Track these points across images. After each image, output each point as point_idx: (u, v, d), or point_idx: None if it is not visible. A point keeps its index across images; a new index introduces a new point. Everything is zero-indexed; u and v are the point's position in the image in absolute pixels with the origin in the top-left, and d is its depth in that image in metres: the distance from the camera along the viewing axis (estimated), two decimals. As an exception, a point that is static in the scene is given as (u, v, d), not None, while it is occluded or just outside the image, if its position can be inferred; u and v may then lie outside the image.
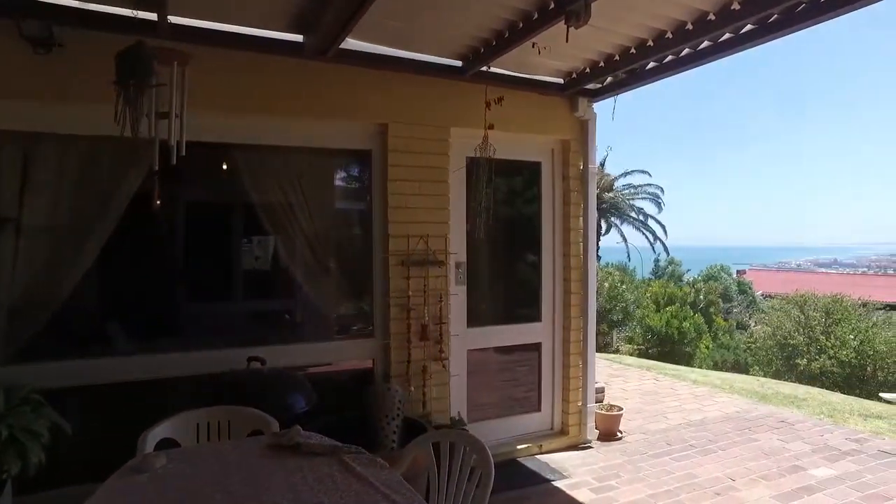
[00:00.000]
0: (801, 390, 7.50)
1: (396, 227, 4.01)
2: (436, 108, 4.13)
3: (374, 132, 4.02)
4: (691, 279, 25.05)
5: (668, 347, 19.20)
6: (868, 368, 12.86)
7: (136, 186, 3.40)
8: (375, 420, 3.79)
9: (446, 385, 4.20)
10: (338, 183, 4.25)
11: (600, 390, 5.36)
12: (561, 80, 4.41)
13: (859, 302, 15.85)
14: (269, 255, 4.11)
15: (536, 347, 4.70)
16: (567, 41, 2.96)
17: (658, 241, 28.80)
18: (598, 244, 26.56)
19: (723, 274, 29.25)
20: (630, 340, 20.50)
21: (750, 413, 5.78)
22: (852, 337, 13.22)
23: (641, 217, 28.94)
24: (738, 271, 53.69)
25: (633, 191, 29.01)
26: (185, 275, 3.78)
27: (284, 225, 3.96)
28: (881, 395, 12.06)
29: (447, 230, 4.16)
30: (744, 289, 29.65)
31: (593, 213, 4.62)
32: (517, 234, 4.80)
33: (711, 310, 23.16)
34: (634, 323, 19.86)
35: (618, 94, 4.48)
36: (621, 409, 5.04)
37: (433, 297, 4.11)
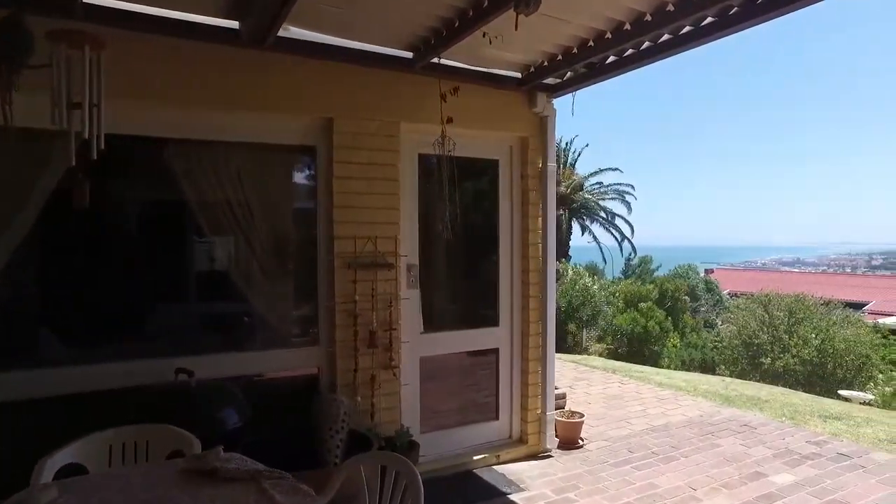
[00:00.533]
0: (765, 391, 7.48)
1: (343, 228, 3.77)
2: (385, 102, 3.90)
3: (319, 127, 3.77)
4: (659, 278, 25.26)
5: (636, 346, 19.32)
6: (828, 366, 13.06)
7: (54, 184, 3.09)
8: (319, 433, 3.55)
9: (396, 394, 3.98)
10: (281, 181, 3.97)
11: (561, 396, 5.21)
12: (518, 75, 4.23)
13: (821, 301, 16.13)
14: (206, 257, 3.82)
15: (494, 353, 4.51)
16: (516, 29, 2.76)
17: (626, 241, 29.09)
18: (567, 244, 26.63)
19: (690, 273, 29.64)
20: (600, 340, 20.57)
21: (713, 417, 5.69)
22: (814, 336, 13.42)
23: (611, 217, 29.17)
24: (706, 270, 54.66)
25: (603, 190, 29.21)
26: (109, 279, 3.47)
27: (223, 225, 3.68)
28: (839, 392, 12.27)
29: (397, 231, 3.93)
30: (711, 287, 30.13)
31: (552, 214, 4.45)
32: (474, 235, 4.61)
33: (679, 308, 23.41)
34: (604, 322, 19.93)
35: (578, 90, 4.31)
36: (582, 415, 4.88)
37: (382, 302, 3.88)
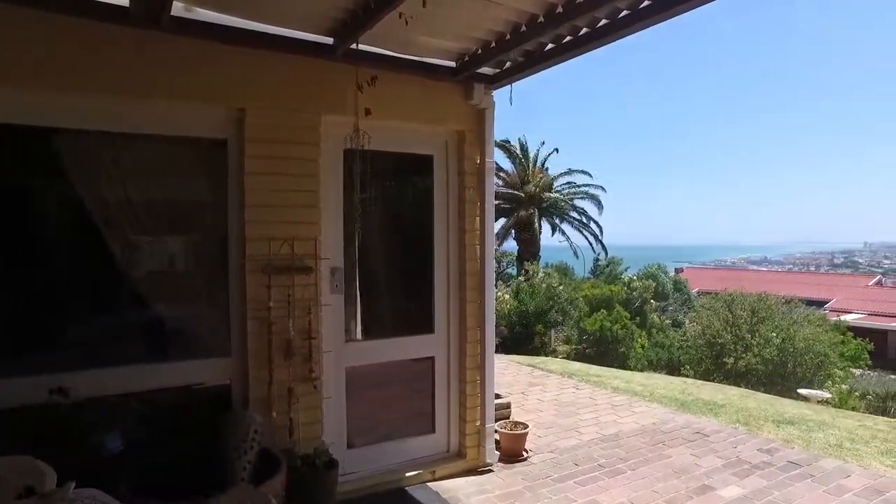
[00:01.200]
0: (721, 395, 7.34)
1: (255, 228, 3.44)
2: (305, 92, 3.58)
3: (231, 119, 3.44)
4: (627, 278, 25.32)
5: (603, 348, 19.26)
6: (788, 365, 13.11)
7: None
8: (225, 453, 3.22)
9: (317, 408, 3.66)
10: (187, 177, 3.62)
11: (505, 406, 4.95)
12: (453, 63, 3.94)
13: (783, 300, 16.26)
14: (100, 260, 3.44)
15: (429, 362, 4.22)
16: (424, 6, 2.49)
17: (597, 241, 29.14)
18: (538, 244, 26.51)
19: (660, 273, 29.81)
20: (567, 341, 20.47)
21: (666, 424, 5.50)
22: (775, 335, 13.47)
23: (583, 218, 29.20)
24: (676, 269, 55.34)
25: (574, 190, 29.22)
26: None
27: (121, 225, 3.33)
28: (799, 390, 12.31)
29: (317, 232, 3.62)
30: (679, 287, 30.39)
31: (491, 213, 4.18)
32: (407, 235, 4.32)
33: (646, 308, 23.46)
34: (571, 323, 19.83)
35: (517, 80, 4.04)
36: (527, 426, 4.62)
37: (300, 309, 3.55)
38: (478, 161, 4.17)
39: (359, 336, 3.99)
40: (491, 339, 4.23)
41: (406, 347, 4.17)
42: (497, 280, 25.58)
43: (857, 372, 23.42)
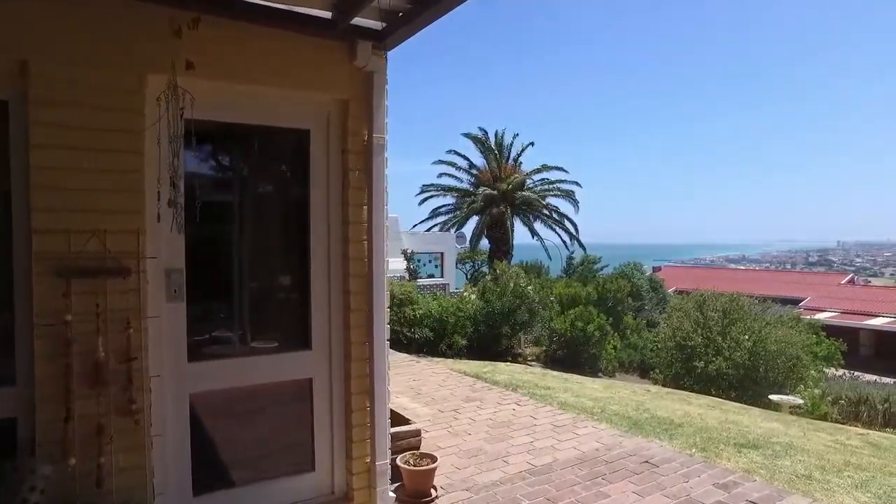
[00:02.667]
0: (683, 409, 6.65)
1: (46, 218, 2.61)
2: (121, 44, 2.75)
3: (12, 73, 2.60)
4: (601, 278, 24.74)
5: (574, 349, 18.58)
6: (760, 369, 12.53)
7: None
8: (-10, 520, 2.40)
9: (142, 449, 2.83)
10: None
11: (413, 433, 4.17)
12: (328, 14, 3.13)
13: (756, 300, 15.73)
14: None
15: (306, 385, 3.41)
16: None
17: (573, 239, 28.54)
18: (510, 242, 25.76)
19: (635, 272, 29.20)
20: (537, 342, 19.78)
21: (612, 450, 4.76)
22: (747, 337, 12.88)
23: (557, 215, 28.57)
24: (654, 268, 55.10)
25: (548, 187, 28.57)
26: None
27: None
28: (771, 396, 11.73)
29: (141, 222, 2.79)
30: (655, 286, 29.83)
31: (381, 201, 3.38)
32: (277, 229, 3.52)
33: (620, 308, 22.85)
34: (540, 325, 19.14)
35: (411, 33, 3.25)
36: (435, 459, 3.84)
37: (116, 323, 2.73)
38: (365, 137, 3.37)
39: (210, 354, 3.17)
40: (382, 356, 3.44)
41: (275, 367, 3.35)
42: (472, 281, 24.86)
43: (830, 372, 23.18)
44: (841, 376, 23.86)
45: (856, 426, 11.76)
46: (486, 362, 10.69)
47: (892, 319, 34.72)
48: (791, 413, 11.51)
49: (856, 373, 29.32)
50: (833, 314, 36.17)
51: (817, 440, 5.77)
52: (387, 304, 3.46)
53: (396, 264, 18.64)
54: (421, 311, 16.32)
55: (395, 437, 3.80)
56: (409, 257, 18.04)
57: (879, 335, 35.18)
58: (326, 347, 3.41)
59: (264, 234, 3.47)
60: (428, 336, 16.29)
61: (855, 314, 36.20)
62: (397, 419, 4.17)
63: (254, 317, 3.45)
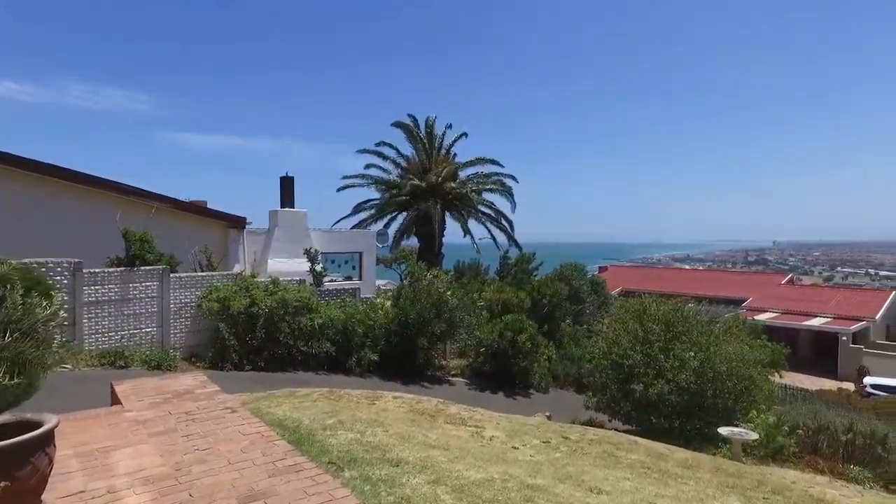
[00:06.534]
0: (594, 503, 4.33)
1: None
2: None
3: None
4: (536, 281, 22.61)
5: (502, 362, 16.37)
6: (708, 394, 10.56)
7: None
8: None
9: None
10: None
11: None
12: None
13: (703, 307, 13.87)
14: None
15: None
16: None
17: (510, 239, 26.41)
18: (440, 241, 23.33)
19: (576, 273, 27.19)
20: (462, 354, 17.44)
21: None
22: (692, 355, 10.88)
23: (492, 212, 26.36)
24: (600, 267, 53.88)
25: (482, 181, 26.31)
26: None
27: None
28: (720, 430, 9.75)
29: None
30: (597, 288, 27.87)
31: None
32: None
33: (557, 314, 20.83)
34: (467, 334, 16.81)
35: None
36: None
37: None
38: None
39: None
40: None
41: None
42: (411, 285, 22.33)
43: (778, 380, 21.92)
44: (784, 387, 22.73)
45: (816, 461, 10.00)
46: (353, 400, 8.19)
47: (829, 319, 34.39)
48: (745, 454, 9.57)
49: (799, 375, 28.63)
50: (774, 314, 35.64)
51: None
52: None
53: (296, 266, 15.91)
54: (321, 321, 13.64)
55: None
56: (313, 257, 15.33)
57: (818, 335, 34.82)
58: None
59: None
60: (330, 351, 13.66)
61: (794, 314, 35.78)
62: None
63: None
